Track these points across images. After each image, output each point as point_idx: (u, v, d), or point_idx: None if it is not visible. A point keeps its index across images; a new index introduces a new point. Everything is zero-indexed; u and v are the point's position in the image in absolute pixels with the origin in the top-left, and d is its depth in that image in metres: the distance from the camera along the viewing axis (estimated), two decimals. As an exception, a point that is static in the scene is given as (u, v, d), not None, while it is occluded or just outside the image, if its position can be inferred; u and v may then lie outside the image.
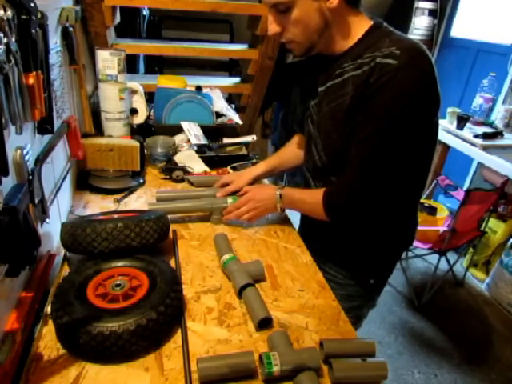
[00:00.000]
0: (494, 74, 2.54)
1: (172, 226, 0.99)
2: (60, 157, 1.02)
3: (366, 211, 0.88)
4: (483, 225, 2.30)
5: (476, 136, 2.24)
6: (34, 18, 0.66)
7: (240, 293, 0.80)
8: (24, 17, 0.64)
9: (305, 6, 0.78)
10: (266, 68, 1.95)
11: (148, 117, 1.54)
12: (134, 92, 1.47)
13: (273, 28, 0.84)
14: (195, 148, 1.43)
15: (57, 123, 0.92)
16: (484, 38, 2.89)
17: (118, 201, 1.14)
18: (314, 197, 0.95)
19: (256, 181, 1.18)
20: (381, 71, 0.75)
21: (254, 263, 0.89)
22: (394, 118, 0.77)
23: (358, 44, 0.84)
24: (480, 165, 2.66)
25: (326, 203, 0.91)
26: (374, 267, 1.06)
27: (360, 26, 0.84)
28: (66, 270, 0.85)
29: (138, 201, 1.16)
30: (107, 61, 1.25)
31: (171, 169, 1.31)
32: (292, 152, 1.20)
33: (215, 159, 1.40)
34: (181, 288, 0.77)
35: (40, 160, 0.78)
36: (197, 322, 0.75)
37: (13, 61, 0.58)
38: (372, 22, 0.85)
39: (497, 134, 2.30)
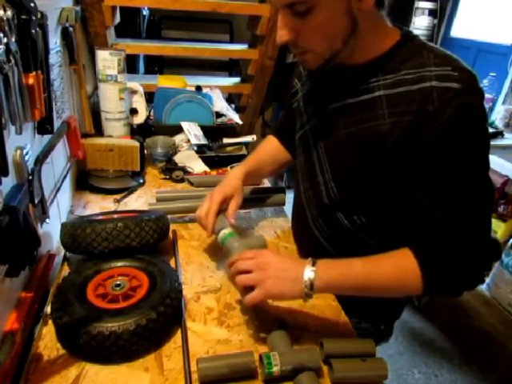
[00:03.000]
0: (494, 74, 2.54)
1: (172, 226, 0.99)
2: (60, 157, 1.02)
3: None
4: (483, 225, 2.29)
5: (476, 136, 2.24)
6: (33, 18, 0.66)
7: None
8: (24, 17, 0.64)
9: (331, 5, 0.61)
10: (266, 68, 1.95)
11: (148, 117, 1.54)
12: (133, 92, 1.47)
13: (284, 35, 0.66)
14: (195, 148, 1.43)
15: (57, 123, 0.92)
16: (484, 38, 2.89)
17: (118, 201, 1.14)
18: (394, 268, 0.67)
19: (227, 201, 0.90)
20: (444, 96, 0.61)
21: (256, 238, 0.84)
22: (480, 147, 0.64)
23: (390, 56, 0.69)
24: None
25: (435, 271, 0.66)
26: (386, 313, 0.96)
27: (389, 33, 0.71)
28: (65, 270, 0.85)
29: (138, 201, 1.16)
30: (107, 61, 1.25)
31: (171, 169, 1.31)
32: (270, 154, 1.05)
33: (215, 159, 1.40)
34: (181, 288, 0.77)
35: (40, 160, 0.78)
36: (197, 322, 0.75)
37: (13, 61, 0.58)
38: (400, 31, 0.72)
39: (497, 134, 2.30)
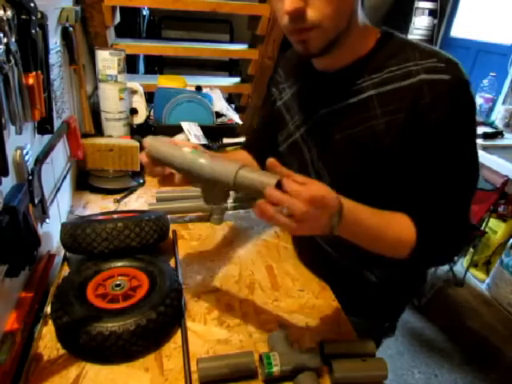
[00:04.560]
0: (494, 74, 2.54)
1: (172, 226, 0.99)
2: (60, 157, 1.02)
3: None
4: (483, 225, 2.30)
5: (476, 136, 2.24)
6: (33, 18, 0.66)
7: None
8: (24, 17, 0.64)
9: None
10: (266, 68, 1.94)
11: (148, 117, 1.54)
12: (133, 92, 1.47)
13: (295, 1, 0.60)
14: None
15: (57, 123, 0.92)
16: (484, 38, 2.89)
17: (117, 201, 1.14)
18: (396, 228, 0.68)
19: None
20: (435, 89, 0.62)
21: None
22: (473, 133, 0.68)
23: (374, 54, 0.69)
24: (480, 165, 2.66)
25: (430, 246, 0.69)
26: (390, 311, 0.98)
27: (370, 31, 0.71)
28: (65, 270, 0.85)
29: (138, 201, 1.16)
30: (107, 61, 1.25)
31: (171, 169, 1.31)
32: None
33: (215, 159, 1.40)
34: (181, 288, 0.77)
35: (40, 160, 0.78)
36: (197, 322, 0.75)
37: (13, 61, 0.58)
38: (378, 29, 0.72)
39: (497, 134, 2.30)
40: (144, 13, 3.03)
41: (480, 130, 2.34)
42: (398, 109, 0.65)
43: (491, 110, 2.62)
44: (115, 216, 0.95)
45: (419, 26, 3.12)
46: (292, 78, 0.86)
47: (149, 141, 0.65)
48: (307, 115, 0.80)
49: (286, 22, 0.63)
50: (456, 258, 2.38)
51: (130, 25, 2.78)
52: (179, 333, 0.72)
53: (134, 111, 1.48)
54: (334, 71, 0.73)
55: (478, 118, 2.51)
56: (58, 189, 0.97)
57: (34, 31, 0.67)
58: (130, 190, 1.19)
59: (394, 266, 0.79)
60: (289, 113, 0.85)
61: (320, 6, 0.61)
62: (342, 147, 0.74)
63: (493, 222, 2.37)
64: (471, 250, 2.49)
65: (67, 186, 1.08)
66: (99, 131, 1.37)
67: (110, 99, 1.31)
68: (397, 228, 0.68)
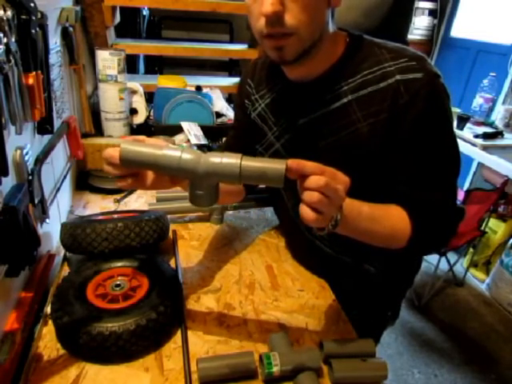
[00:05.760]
0: (494, 74, 2.54)
1: (172, 226, 0.99)
2: (60, 157, 1.02)
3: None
4: (483, 225, 2.30)
5: (476, 136, 2.24)
6: (33, 17, 0.66)
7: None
8: (24, 17, 0.64)
9: None
10: (266, 68, 1.94)
11: (148, 117, 1.54)
12: (133, 92, 1.47)
13: (275, 3, 0.60)
14: (195, 148, 1.43)
15: (57, 123, 0.92)
16: (484, 38, 2.89)
17: (118, 201, 1.14)
18: (391, 219, 0.70)
19: None
20: (411, 88, 0.65)
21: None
22: (451, 120, 0.70)
23: (346, 59, 0.71)
24: (480, 165, 2.66)
25: (423, 232, 0.71)
26: (392, 299, 0.98)
27: (339, 37, 0.72)
28: (65, 270, 0.85)
29: (138, 201, 1.16)
30: (107, 61, 1.25)
31: (171, 169, 1.31)
32: None
33: (215, 159, 1.40)
34: (181, 288, 0.77)
35: (40, 160, 0.78)
36: (197, 322, 0.75)
37: (13, 61, 0.58)
38: (345, 32, 0.73)
39: (497, 134, 2.30)
40: (144, 13, 3.03)
41: (480, 129, 2.34)
42: (380, 110, 0.68)
43: (491, 110, 2.62)
44: (115, 216, 0.95)
45: (419, 26, 3.12)
46: (263, 88, 0.85)
47: (123, 145, 0.57)
48: (286, 126, 0.80)
49: (263, 25, 0.63)
50: (457, 257, 2.38)
51: (130, 25, 2.78)
52: (179, 333, 0.72)
53: (133, 111, 1.48)
54: (309, 81, 0.74)
55: (478, 118, 2.51)
56: (58, 189, 0.97)
57: (34, 31, 0.67)
58: (130, 190, 1.19)
59: (392, 256, 0.80)
60: (265, 123, 0.85)
61: (296, 12, 0.62)
62: (328, 153, 0.74)
63: (493, 222, 2.37)
64: (471, 249, 2.49)
65: (67, 186, 1.08)
66: (99, 131, 1.37)
67: (110, 99, 1.31)
68: (392, 218, 0.70)
